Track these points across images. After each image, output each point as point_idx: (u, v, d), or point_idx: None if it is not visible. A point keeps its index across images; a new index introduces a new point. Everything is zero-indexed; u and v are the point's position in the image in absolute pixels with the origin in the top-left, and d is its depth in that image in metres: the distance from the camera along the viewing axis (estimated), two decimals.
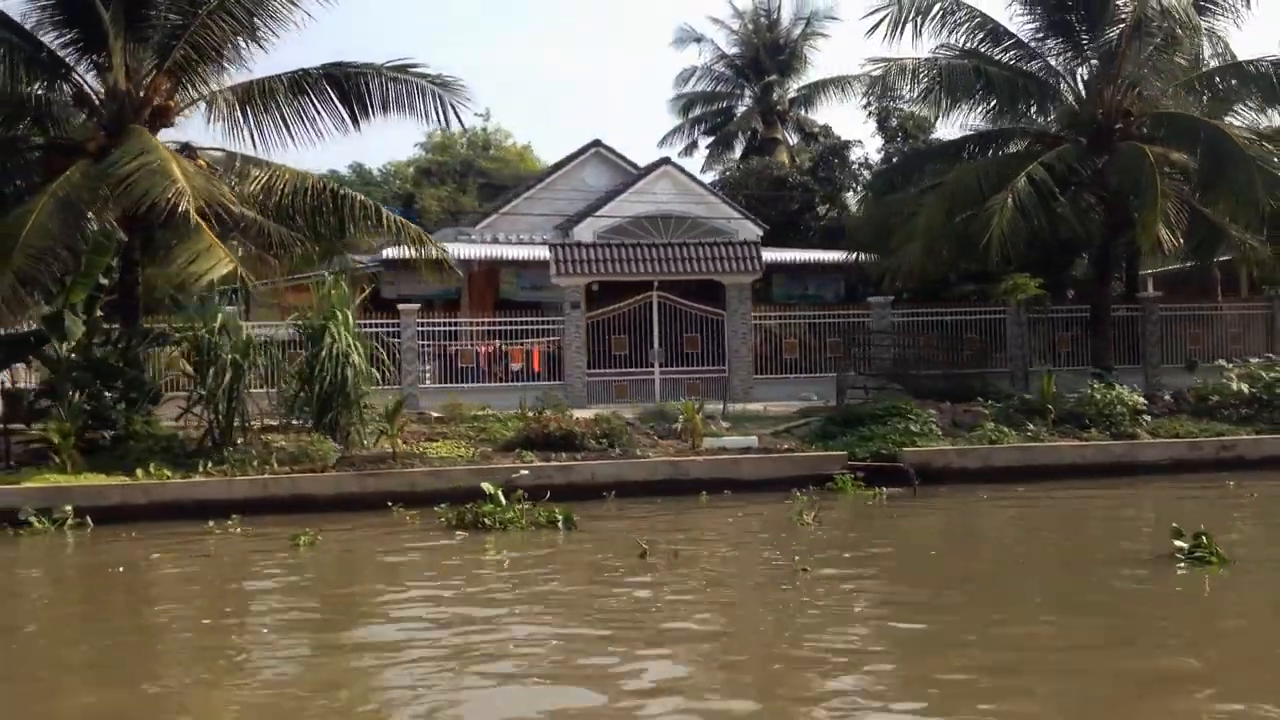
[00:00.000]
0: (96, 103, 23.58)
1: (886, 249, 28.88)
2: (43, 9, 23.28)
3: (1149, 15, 26.11)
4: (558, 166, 42.38)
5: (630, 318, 31.31)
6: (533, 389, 28.84)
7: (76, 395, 21.55)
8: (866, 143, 62.40)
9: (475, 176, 62.69)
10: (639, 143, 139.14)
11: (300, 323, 23.12)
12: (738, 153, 51.71)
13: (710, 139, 53.41)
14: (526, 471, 20.32)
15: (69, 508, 18.94)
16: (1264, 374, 25.18)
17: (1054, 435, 23.19)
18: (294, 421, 23.27)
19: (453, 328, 31.26)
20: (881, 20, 27.24)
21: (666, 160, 41.03)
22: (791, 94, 52.51)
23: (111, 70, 22.99)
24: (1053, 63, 28.25)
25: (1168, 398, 25.69)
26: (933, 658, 10.64)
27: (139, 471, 20.39)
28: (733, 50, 53.31)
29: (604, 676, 10.23)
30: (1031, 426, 23.30)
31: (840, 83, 49.64)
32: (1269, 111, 29.70)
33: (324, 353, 21.90)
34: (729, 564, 15.45)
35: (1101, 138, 27.30)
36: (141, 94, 23.46)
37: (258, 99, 23.96)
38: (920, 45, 28.17)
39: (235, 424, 22.04)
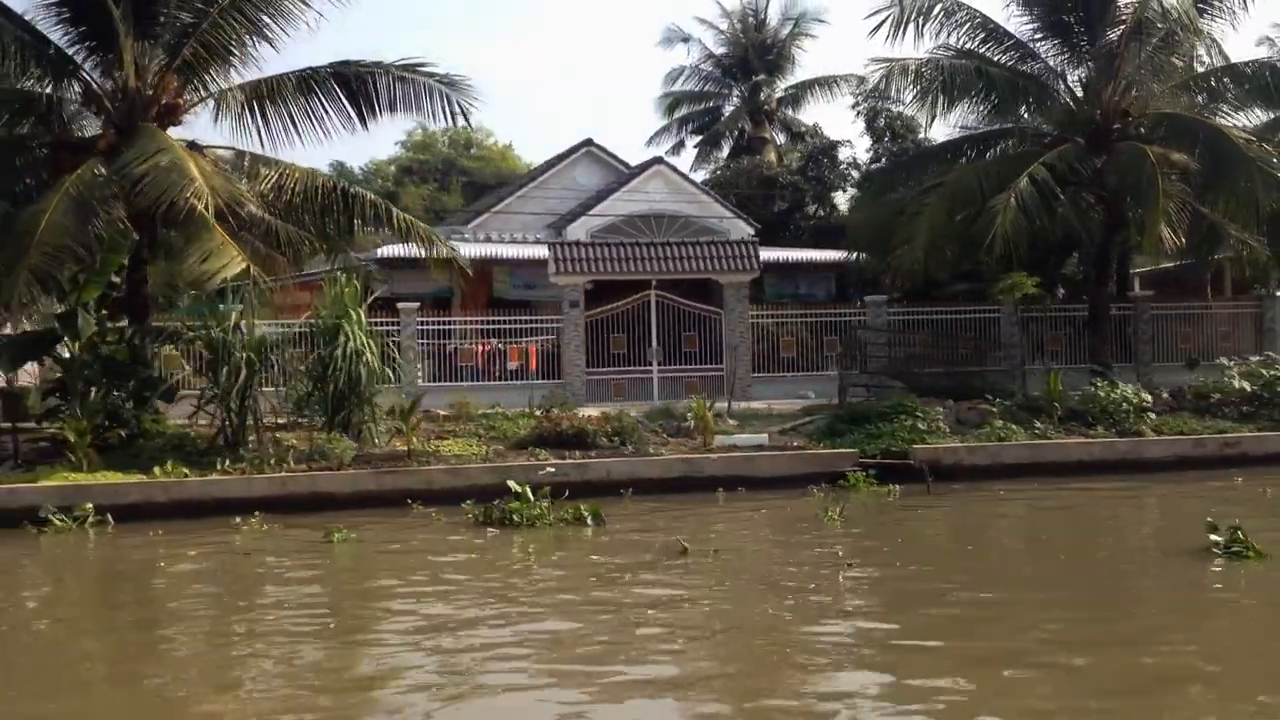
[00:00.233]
0: (105, 101, 23.51)
1: (886, 248, 29.06)
2: (50, 6, 23.23)
3: (1150, 17, 26.39)
4: (549, 165, 42.40)
5: (627, 316, 31.40)
6: (530, 388, 28.93)
7: (92, 393, 21.50)
8: (855, 143, 63.09)
9: (458, 175, 62.68)
10: (625, 142, 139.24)
11: (313, 321, 23.11)
12: (725, 152, 51.90)
13: (698, 138, 53.65)
14: (553, 469, 20.46)
15: (90, 505, 18.95)
16: (1265, 372, 25.54)
17: (1060, 433, 23.45)
18: (300, 420, 23.34)
19: (453, 326, 31.31)
20: (884, 21, 27.46)
21: (659, 159, 41.18)
22: (779, 94, 52.79)
23: (122, 68, 22.92)
24: (1051, 63, 28.51)
25: (1166, 395, 25.95)
26: (1007, 649, 10.85)
27: (156, 470, 20.40)
28: (720, 50, 53.58)
29: (678, 672, 10.42)
30: (1039, 424, 23.56)
31: (827, 83, 50.47)
32: (1257, 111, 30.18)
33: (338, 351, 21.97)
34: (771, 560, 15.59)
35: (1099, 138, 27.56)
36: (150, 92, 23.43)
37: (266, 97, 23.93)
38: (919, 46, 28.47)
39: (248, 422, 22.08)
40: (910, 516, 18.96)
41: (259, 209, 22.63)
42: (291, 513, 19.33)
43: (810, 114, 53.03)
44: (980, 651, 10.81)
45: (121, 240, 21.87)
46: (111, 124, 23.22)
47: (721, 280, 31.73)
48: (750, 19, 53.02)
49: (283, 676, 10.70)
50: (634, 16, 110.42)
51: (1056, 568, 14.84)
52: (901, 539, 17.00)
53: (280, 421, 23.33)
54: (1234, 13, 27.48)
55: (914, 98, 28.57)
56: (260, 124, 24.18)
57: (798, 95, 52.23)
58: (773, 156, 49.25)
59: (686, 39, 52.82)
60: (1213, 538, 14.14)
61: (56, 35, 23.32)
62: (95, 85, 23.54)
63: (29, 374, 27.70)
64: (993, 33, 28.27)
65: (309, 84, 24.04)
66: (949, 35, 28.19)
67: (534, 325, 31.81)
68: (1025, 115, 28.97)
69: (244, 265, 21.06)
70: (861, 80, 44.97)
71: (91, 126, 24.18)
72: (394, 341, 27.45)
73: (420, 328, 30.34)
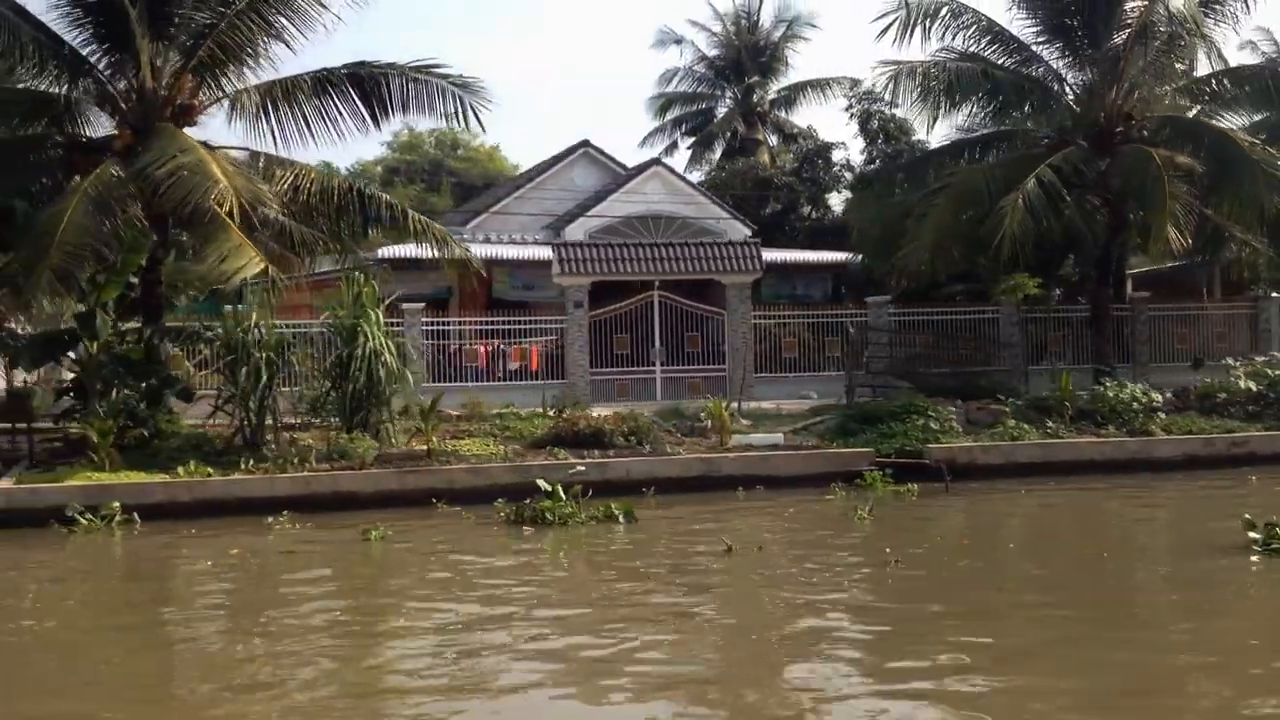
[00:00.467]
0: (119, 101, 23.53)
1: (889, 249, 29.26)
2: (64, 6, 23.20)
3: (1155, 20, 26.66)
4: (546, 166, 42.44)
5: (630, 317, 31.52)
6: (535, 388, 29.04)
7: (114, 393, 21.53)
8: (848, 144, 63.32)
9: (446, 176, 62.66)
10: (622, 143, 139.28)
11: (332, 322, 23.17)
12: (718, 153, 52.08)
13: (691, 140, 53.80)
14: (583, 468, 20.58)
15: (116, 505, 18.99)
16: (1270, 372, 25.86)
17: (1072, 432, 23.72)
18: (314, 420, 23.41)
19: (460, 326, 31.37)
20: (891, 24, 27.66)
21: (657, 161, 41.33)
22: (772, 95, 53.02)
23: (138, 69, 22.94)
24: (1054, 66, 28.74)
25: (1169, 395, 26.21)
26: (1079, 643, 11.07)
27: (180, 469, 20.46)
28: (713, 52, 53.70)
29: (763, 667, 10.66)
30: (1050, 424, 23.81)
31: (820, 85, 50.72)
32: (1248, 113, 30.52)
33: (358, 351, 22.04)
34: (815, 557, 15.75)
35: (1103, 140, 27.82)
36: (164, 93, 23.45)
37: (281, 98, 23.95)
38: (926, 48, 28.55)
39: (267, 422, 22.14)
40: (938, 514, 19.22)
41: (280, 210, 22.58)
42: (314, 512, 19.46)
43: (803, 116, 53.20)
44: (1054, 644, 11.07)
45: (143, 240, 21.92)
46: (127, 124, 23.22)
47: (724, 281, 31.87)
48: (743, 21, 53.19)
49: (347, 674, 10.83)
50: (632, 18, 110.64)
51: (1106, 566, 15.10)
52: (940, 536, 17.26)
53: (294, 422, 23.39)
54: (1235, 16, 27.81)
55: (916, 99, 28.70)
56: (274, 125, 24.22)
57: (790, 97, 52.48)
58: (766, 158, 49.48)
59: (679, 41, 53.03)
60: (1251, 535, 14.38)
61: (70, 35, 23.33)
62: (110, 86, 23.55)
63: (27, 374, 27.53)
64: (997, 36, 28.51)
65: (324, 85, 24.09)
66: (953, 38, 28.45)
67: (538, 325, 31.87)
68: (1028, 118, 29.16)
69: (263, 265, 21.09)
70: (855, 82, 45.56)
71: (104, 126, 24.20)
72: (399, 342, 27.44)
73: (425, 328, 30.38)
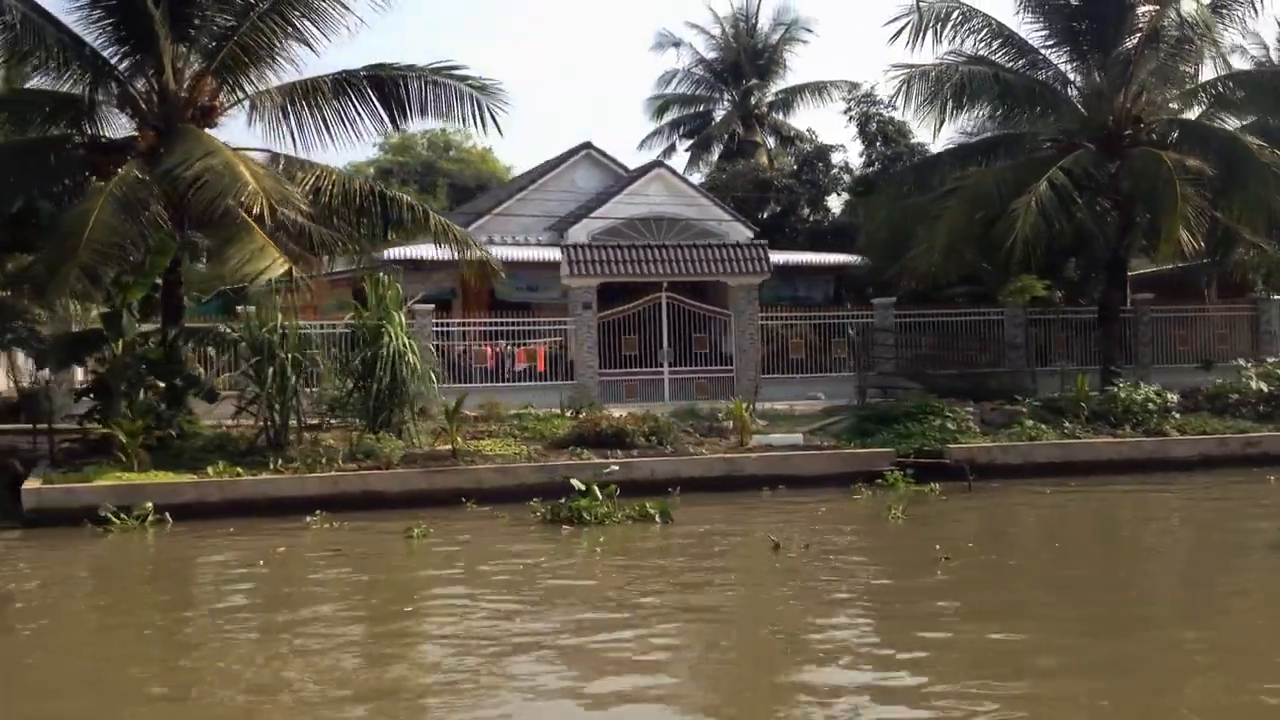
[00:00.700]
0: (140, 102, 23.57)
1: (897, 251, 29.49)
2: (87, 7, 23.23)
3: (1166, 25, 26.94)
4: (548, 168, 42.49)
5: (637, 318, 31.66)
6: (543, 388, 29.22)
7: (143, 394, 21.58)
8: (846, 147, 63.55)
9: (442, 178, 62.56)
10: (622, 144, 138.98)
11: (355, 322, 23.26)
12: (716, 155, 52.30)
13: (689, 142, 54.02)
14: (616, 467, 20.73)
15: (149, 505, 19.06)
16: None
17: (1089, 432, 23.97)
18: (332, 420, 23.50)
19: (474, 328, 31.45)
20: (904, 28, 27.89)
21: (659, 163, 41.58)
22: (770, 98, 53.27)
23: (162, 71, 23.00)
24: (1063, 69, 28.98)
25: (1177, 396, 26.44)
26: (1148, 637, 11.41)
27: (209, 469, 20.54)
28: (712, 55, 53.98)
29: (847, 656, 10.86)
30: (1067, 424, 24.05)
31: (818, 88, 50.98)
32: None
33: (383, 352, 22.15)
34: (864, 554, 16.06)
35: (1111, 143, 28.07)
36: (185, 94, 23.51)
37: (301, 99, 24.03)
38: (936, 51, 28.78)
39: (291, 423, 22.23)
40: (969, 513, 19.54)
41: (309, 210, 22.63)
42: (343, 511, 19.54)
43: (801, 118, 53.58)
44: (1127, 635, 11.37)
45: (170, 243, 21.97)
46: (149, 125, 23.26)
47: (731, 283, 32.06)
48: (741, 24, 53.46)
49: (412, 672, 10.99)
50: (631, 19, 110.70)
51: (1153, 562, 15.51)
52: (981, 535, 17.57)
53: (314, 422, 23.48)
54: (1244, 21, 28.16)
55: (923, 102, 28.85)
56: (294, 126, 24.30)
57: (788, 100, 52.73)
58: (764, 160, 49.70)
59: (678, 44, 53.29)
60: None
61: (91, 37, 23.36)
62: (130, 87, 23.58)
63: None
64: (1007, 39, 28.72)
65: (343, 86, 24.16)
66: (962, 41, 28.62)
67: (548, 327, 32.00)
68: (1037, 121, 29.36)
69: (287, 267, 21.17)
70: (854, 86, 45.83)
71: (123, 128, 24.22)
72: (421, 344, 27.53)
73: (436, 329, 30.45)
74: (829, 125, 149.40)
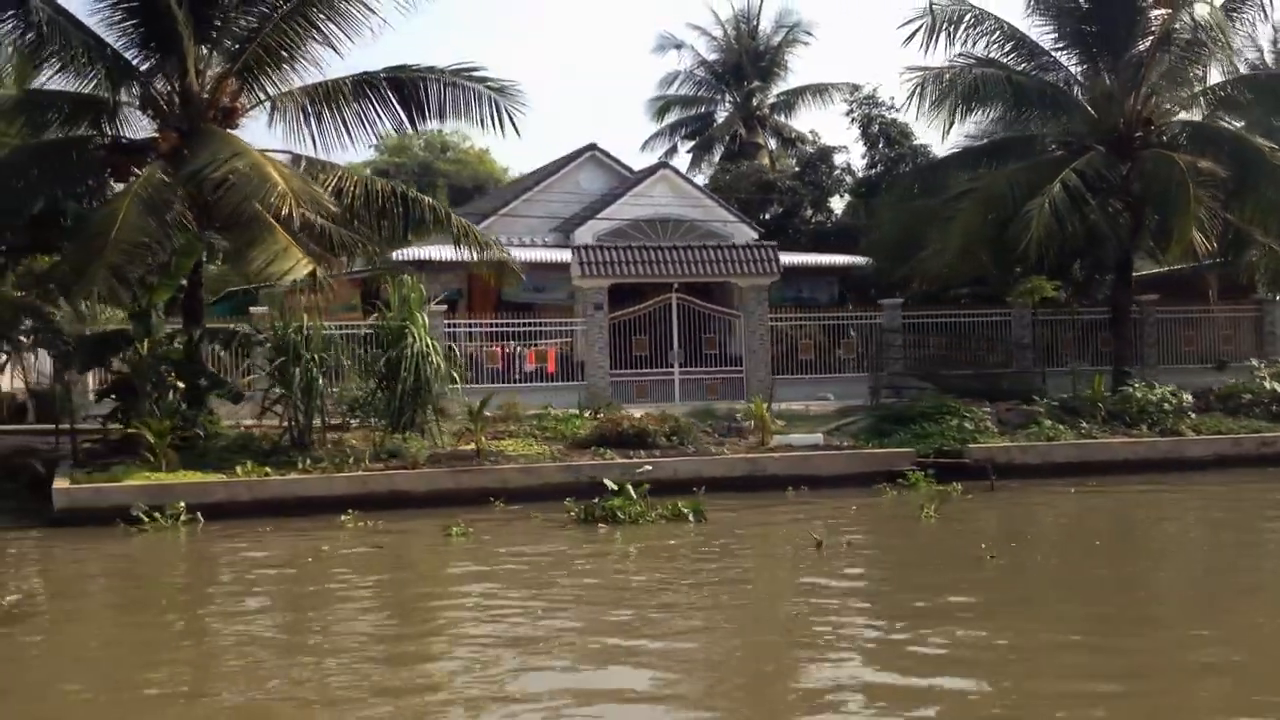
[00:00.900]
0: (161, 103, 23.61)
1: (907, 252, 29.66)
2: (108, 8, 23.28)
3: (1178, 28, 27.16)
4: (553, 169, 42.60)
5: (647, 319, 31.78)
6: (554, 389, 29.34)
7: (171, 394, 21.66)
8: (849, 148, 63.70)
9: (438, 179, 62.56)
10: (623, 146, 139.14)
11: (379, 323, 23.35)
12: (717, 156, 52.47)
13: (691, 143, 54.20)
14: (650, 467, 20.86)
15: (182, 504, 19.15)
16: None
17: (1106, 432, 24.20)
18: (351, 420, 23.57)
19: (487, 329, 31.52)
20: (917, 30, 28.04)
21: (664, 164, 41.74)
22: (772, 99, 53.45)
23: (185, 72, 23.05)
24: (1073, 71, 29.18)
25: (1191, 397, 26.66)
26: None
27: (238, 469, 20.63)
28: (713, 56, 54.16)
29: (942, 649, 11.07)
30: (1084, 424, 24.26)
31: (819, 89, 51.18)
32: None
33: (408, 352, 22.25)
34: (910, 553, 16.20)
35: (1122, 145, 28.26)
36: (206, 95, 23.57)
37: (322, 101, 24.10)
38: (948, 53, 28.93)
39: (316, 423, 22.32)
40: (996, 512, 19.78)
41: (336, 212, 22.69)
42: (371, 510, 19.63)
43: (802, 120, 53.82)
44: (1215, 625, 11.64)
45: (196, 244, 22.05)
46: (171, 127, 23.27)
47: (742, 284, 32.19)
48: (743, 26, 53.65)
49: (477, 667, 11.11)
50: (632, 19, 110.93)
51: (1206, 557, 15.67)
52: (1020, 533, 17.85)
53: (335, 422, 23.55)
54: (1254, 24, 28.41)
55: (933, 104, 28.97)
56: (314, 127, 24.35)
57: (790, 101, 52.92)
58: (766, 161, 49.89)
59: (679, 46, 53.44)
60: None
61: (112, 38, 23.39)
62: (153, 88, 23.63)
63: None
64: (1019, 42, 28.91)
65: (364, 88, 24.25)
66: (974, 44, 28.78)
67: (556, 327, 32.09)
68: (1047, 123, 29.56)
69: (311, 267, 21.26)
70: (855, 87, 45.97)
71: (143, 129, 24.26)
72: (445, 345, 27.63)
73: (447, 329, 30.52)
74: (830, 127, 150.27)
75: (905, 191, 32.85)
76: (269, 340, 22.66)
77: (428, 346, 22.60)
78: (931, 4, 28.04)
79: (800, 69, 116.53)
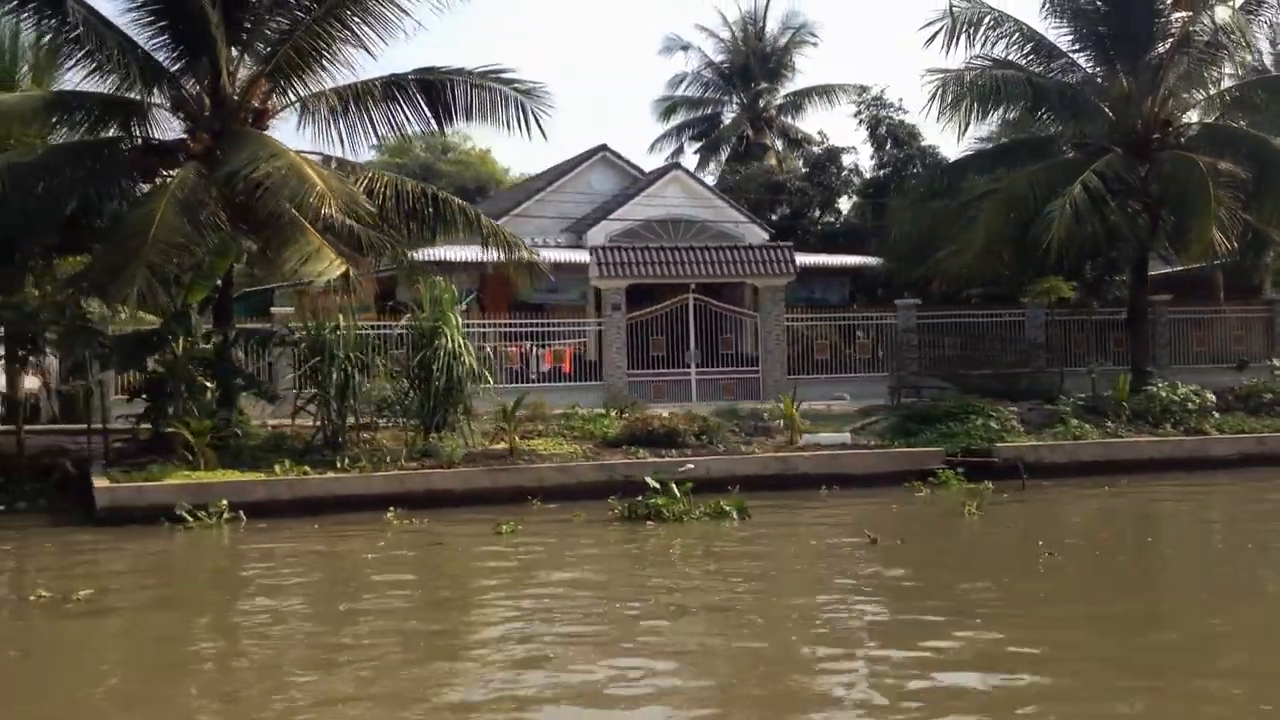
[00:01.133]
0: (192, 105, 23.69)
1: (924, 253, 29.88)
2: (141, 9, 23.35)
3: (1198, 30, 27.39)
4: (564, 170, 42.74)
5: (664, 319, 31.92)
6: (573, 389, 29.49)
7: (208, 394, 21.76)
8: (857, 149, 63.96)
9: (440, 180, 62.54)
10: (630, 146, 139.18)
11: (413, 324, 23.46)
12: (724, 157, 52.72)
13: (698, 144, 54.48)
14: (692, 465, 21.01)
15: (224, 503, 19.27)
16: None
17: (1131, 431, 24.42)
18: (380, 420, 23.67)
19: (506, 329, 31.62)
20: (938, 32, 28.23)
21: (676, 165, 41.99)
22: (779, 101, 53.74)
23: (218, 74, 23.12)
24: (1091, 73, 29.38)
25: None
26: None
27: (276, 468, 20.75)
28: (720, 58, 54.46)
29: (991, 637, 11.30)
30: (1109, 423, 24.48)
31: (826, 91, 51.43)
32: None
33: (440, 353, 22.37)
34: (966, 549, 16.45)
35: (1140, 147, 28.48)
36: (237, 97, 23.66)
37: (352, 102, 24.22)
38: (968, 55, 29.11)
39: (349, 423, 22.44)
40: (1034, 509, 20.05)
41: (374, 212, 22.79)
42: (408, 509, 19.75)
43: (809, 121, 54.13)
44: None
45: (231, 243, 22.13)
46: (203, 128, 23.36)
47: (758, 284, 32.37)
48: (750, 28, 53.95)
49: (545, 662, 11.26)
50: (638, 20, 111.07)
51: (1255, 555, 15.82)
52: (1068, 530, 18.10)
53: (365, 421, 23.65)
54: (1274, 27, 28.63)
55: (949, 105, 29.10)
56: (343, 129, 24.49)
57: (797, 103, 53.26)
58: (773, 162, 50.14)
59: (686, 47, 53.82)
60: None
61: (144, 39, 23.46)
62: (185, 89, 23.70)
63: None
64: (1038, 44, 29.11)
65: (393, 90, 24.36)
66: (992, 46, 28.97)
67: (573, 328, 32.25)
68: (1068, 124, 29.73)
69: (344, 268, 21.36)
70: (863, 89, 46.19)
71: (172, 130, 24.30)
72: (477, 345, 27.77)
73: (465, 329, 30.56)
74: (838, 128, 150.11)
75: (917, 193, 33.01)
76: (303, 340, 22.73)
77: (460, 347, 22.71)
78: (951, 6, 28.26)
79: (807, 70, 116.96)
